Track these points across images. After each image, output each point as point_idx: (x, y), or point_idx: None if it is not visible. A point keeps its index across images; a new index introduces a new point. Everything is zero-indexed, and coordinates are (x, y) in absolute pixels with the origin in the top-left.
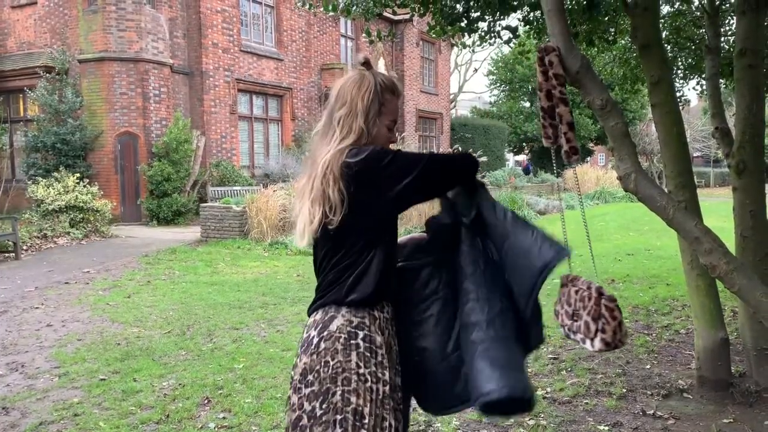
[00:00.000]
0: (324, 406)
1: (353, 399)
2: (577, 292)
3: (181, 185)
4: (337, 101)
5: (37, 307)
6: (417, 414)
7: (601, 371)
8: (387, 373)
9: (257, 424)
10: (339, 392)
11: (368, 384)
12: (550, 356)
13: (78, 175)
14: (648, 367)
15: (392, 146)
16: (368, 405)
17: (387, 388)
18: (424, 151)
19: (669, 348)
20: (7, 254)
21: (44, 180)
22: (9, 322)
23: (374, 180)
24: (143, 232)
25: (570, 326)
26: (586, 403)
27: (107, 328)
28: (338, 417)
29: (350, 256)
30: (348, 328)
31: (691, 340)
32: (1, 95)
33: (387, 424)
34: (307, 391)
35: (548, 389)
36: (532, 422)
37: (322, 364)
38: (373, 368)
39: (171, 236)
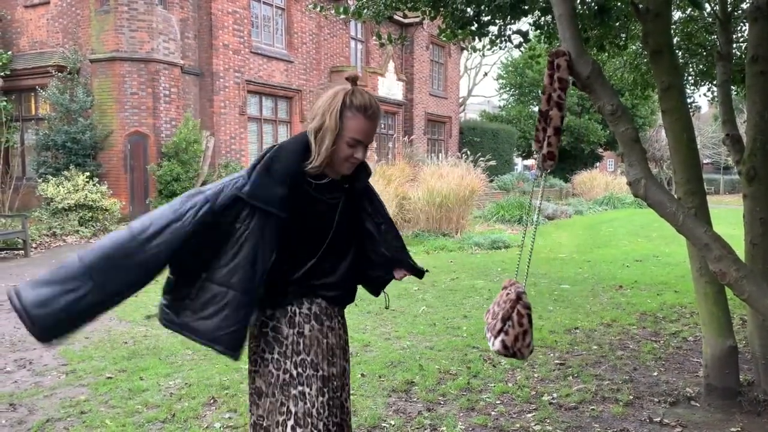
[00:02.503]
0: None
1: (257, 380)
2: (507, 294)
3: (190, 185)
4: (312, 113)
5: None
6: (422, 417)
7: (608, 378)
8: (288, 363)
9: None
10: (251, 371)
11: (269, 368)
12: (557, 362)
13: (88, 173)
14: (655, 374)
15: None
16: (267, 387)
17: (287, 376)
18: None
19: (676, 355)
20: (16, 251)
21: (54, 178)
22: (17, 319)
23: None
24: None
25: (488, 324)
26: (593, 410)
27: (114, 327)
28: (250, 392)
29: None
30: (262, 318)
31: (699, 347)
32: (13, 94)
33: (285, 408)
34: None
35: (554, 395)
36: (538, 428)
37: (248, 347)
38: (276, 356)
39: None
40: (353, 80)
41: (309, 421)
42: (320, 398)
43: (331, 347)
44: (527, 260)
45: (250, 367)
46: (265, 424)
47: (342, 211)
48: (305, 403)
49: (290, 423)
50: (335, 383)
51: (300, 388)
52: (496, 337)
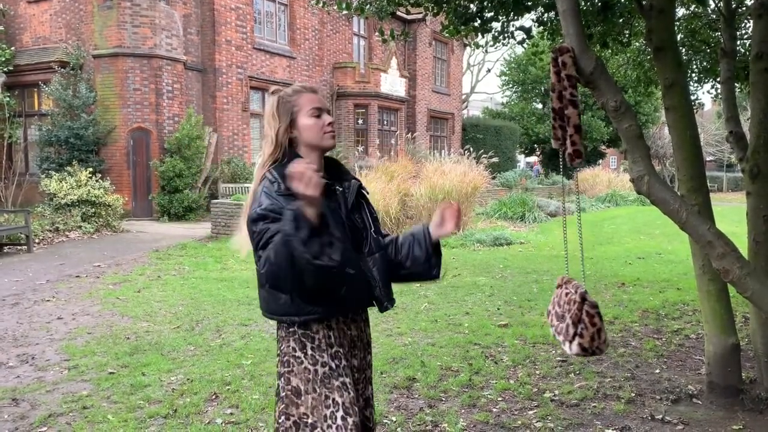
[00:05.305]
0: (278, 384)
1: (292, 379)
2: (567, 294)
3: (193, 181)
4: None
5: (48, 300)
6: (423, 414)
7: (610, 375)
8: (325, 356)
9: (264, 420)
10: (284, 373)
11: (304, 365)
12: (559, 359)
13: (90, 169)
14: (657, 371)
15: (329, 138)
16: (306, 384)
17: (326, 369)
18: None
19: (679, 353)
20: (19, 247)
21: (57, 174)
22: (20, 314)
23: None
24: (154, 228)
25: (557, 327)
26: (594, 407)
27: (117, 322)
28: (282, 394)
29: None
30: (288, 320)
31: (701, 345)
32: (17, 89)
33: (330, 401)
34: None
35: (556, 392)
36: (539, 425)
37: (278, 351)
38: (310, 351)
39: (181, 232)
40: (275, 91)
41: (354, 409)
42: (354, 387)
43: (352, 339)
44: (580, 257)
45: (282, 369)
46: (310, 421)
47: (336, 212)
48: (349, 393)
49: (339, 414)
50: (357, 375)
51: (341, 378)
52: (571, 342)
